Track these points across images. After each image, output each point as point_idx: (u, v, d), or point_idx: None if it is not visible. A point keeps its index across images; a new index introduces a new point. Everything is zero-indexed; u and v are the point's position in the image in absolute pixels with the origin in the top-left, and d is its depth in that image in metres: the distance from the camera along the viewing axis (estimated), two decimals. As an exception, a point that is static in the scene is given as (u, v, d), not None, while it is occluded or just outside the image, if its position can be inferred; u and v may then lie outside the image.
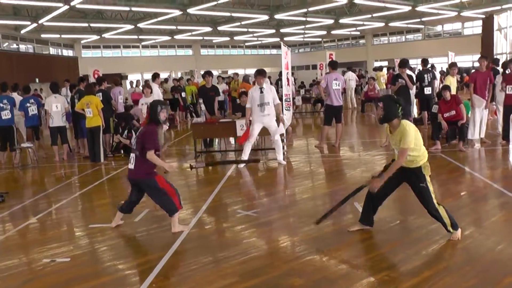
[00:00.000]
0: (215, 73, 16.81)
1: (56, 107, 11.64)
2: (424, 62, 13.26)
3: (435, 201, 5.19)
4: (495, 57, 27.27)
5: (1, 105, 11.26)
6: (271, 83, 15.80)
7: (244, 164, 9.94)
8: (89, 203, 7.91)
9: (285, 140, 10.79)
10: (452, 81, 11.65)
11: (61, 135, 11.84)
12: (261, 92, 9.68)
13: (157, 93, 12.58)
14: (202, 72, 13.56)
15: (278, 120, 9.93)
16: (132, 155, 5.87)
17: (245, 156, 9.91)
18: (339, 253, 5.04)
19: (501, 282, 4.20)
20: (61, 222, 6.83)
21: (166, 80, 23.24)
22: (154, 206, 6.47)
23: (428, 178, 5.18)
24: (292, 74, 28.92)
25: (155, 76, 13.44)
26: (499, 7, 30.31)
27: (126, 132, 11.98)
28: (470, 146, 10.79)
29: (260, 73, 9.80)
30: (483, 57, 11.31)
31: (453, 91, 11.19)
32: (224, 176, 9.10)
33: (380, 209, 5.84)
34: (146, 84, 13.50)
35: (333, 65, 11.86)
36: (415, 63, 27.74)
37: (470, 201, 6.91)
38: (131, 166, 5.87)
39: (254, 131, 9.86)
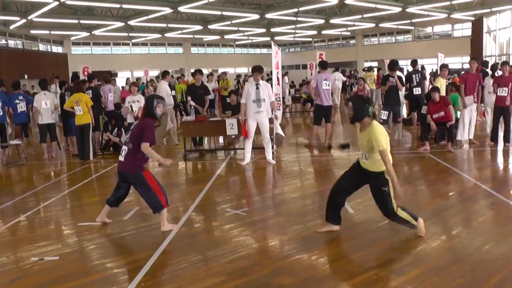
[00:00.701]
0: (205, 71, 16.76)
1: (45, 104, 11.56)
2: (413, 63, 13.36)
3: (394, 205, 5.20)
4: (484, 59, 27.50)
5: None
6: None
7: (247, 162, 10.06)
8: (78, 201, 7.87)
9: (274, 139, 10.81)
10: (442, 83, 11.73)
11: (50, 132, 11.75)
12: (257, 88, 9.74)
13: (166, 91, 12.52)
14: (192, 71, 13.56)
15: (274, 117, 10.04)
16: (124, 147, 5.88)
17: (247, 155, 10.07)
18: (327, 252, 5.07)
19: (488, 282, 4.25)
20: (50, 220, 6.80)
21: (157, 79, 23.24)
22: (140, 204, 6.45)
23: (390, 183, 5.14)
24: (287, 73, 29.05)
25: (165, 74, 13.36)
26: (488, 10, 30.53)
27: (115, 130, 11.96)
28: (459, 147, 10.87)
29: (257, 69, 9.89)
30: (474, 59, 11.41)
31: (443, 93, 11.26)
32: (213, 175, 9.10)
33: (369, 208, 5.89)
34: (133, 83, 13.48)
35: (323, 65, 11.92)
36: (405, 64, 27.86)
37: (458, 201, 6.97)
38: (121, 158, 5.87)
39: (251, 129, 9.91)
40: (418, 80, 12.54)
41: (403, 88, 11.98)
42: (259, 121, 9.88)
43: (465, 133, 10.88)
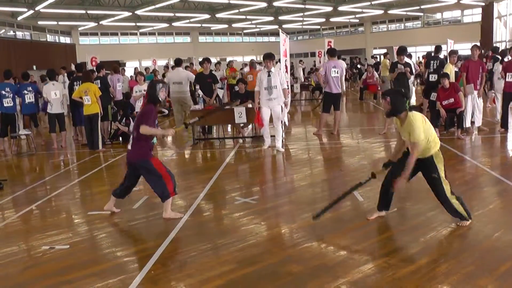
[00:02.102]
0: (213, 60, 16.73)
1: (55, 94, 11.60)
2: (437, 49, 13.06)
3: (447, 192, 5.18)
4: (494, 45, 27.22)
5: (4, 92, 11.23)
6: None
7: (268, 146, 10.23)
8: (88, 190, 7.92)
9: (283, 127, 10.81)
10: (452, 69, 11.62)
11: (59, 122, 11.80)
12: (269, 75, 9.82)
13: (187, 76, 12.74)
14: (200, 59, 13.54)
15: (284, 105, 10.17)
16: (132, 136, 5.90)
17: (267, 140, 10.25)
18: (337, 240, 5.06)
19: (498, 269, 4.22)
20: (60, 209, 6.84)
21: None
22: (149, 193, 6.46)
23: (440, 167, 5.17)
24: (301, 61, 28.90)
25: (179, 62, 13.40)
26: (498, -5, 30.21)
27: (124, 119, 11.98)
28: (468, 133, 10.80)
29: (268, 57, 9.97)
30: (476, 46, 11.28)
31: (452, 79, 11.16)
32: (222, 163, 9.11)
33: (378, 196, 5.87)
34: (139, 72, 13.47)
35: (331, 52, 11.83)
36: (414, 50, 27.67)
37: (467, 188, 6.92)
38: (129, 146, 5.90)
39: (265, 116, 9.99)
40: (436, 66, 12.39)
41: (412, 76, 11.88)
42: (271, 108, 9.96)
43: (468, 120, 10.82)
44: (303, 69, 28.81)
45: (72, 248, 5.14)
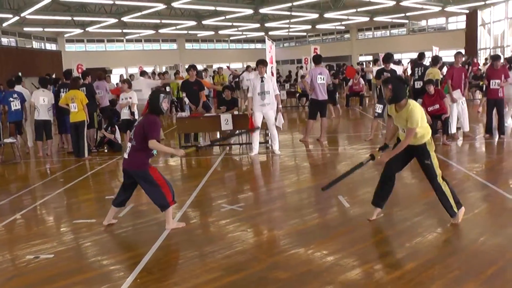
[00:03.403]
0: (200, 67, 16.73)
1: (43, 100, 11.50)
2: (420, 56, 13.18)
3: (438, 176, 5.39)
4: (478, 51, 27.55)
5: None
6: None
7: (256, 153, 10.26)
8: (74, 198, 7.84)
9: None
10: (436, 74, 11.72)
11: (46, 130, 11.71)
12: (262, 81, 9.98)
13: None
14: (186, 66, 13.55)
15: (277, 110, 10.30)
16: (129, 144, 5.70)
17: (255, 146, 10.29)
18: (324, 246, 5.06)
19: (484, 273, 4.25)
20: (45, 218, 6.79)
21: (165, 72, 23.33)
22: (135, 200, 6.43)
23: (432, 154, 5.38)
24: (301, 67, 28.88)
25: (142, 74, 13.71)
26: (482, 3, 30.54)
27: (109, 127, 11.93)
28: (454, 139, 10.89)
29: (261, 63, 10.17)
30: (460, 53, 11.44)
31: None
32: (209, 170, 9.09)
33: (365, 202, 5.92)
34: (124, 80, 13.43)
35: (317, 59, 11.87)
36: (399, 57, 27.90)
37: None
38: (125, 155, 5.70)
39: (257, 121, 10.10)
40: (420, 73, 12.49)
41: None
42: (264, 113, 10.11)
43: (453, 126, 10.92)
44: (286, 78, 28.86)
45: (57, 257, 5.09)
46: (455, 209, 5.42)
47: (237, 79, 26.15)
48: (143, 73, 14.02)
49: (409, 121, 5.17)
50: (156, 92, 5.75)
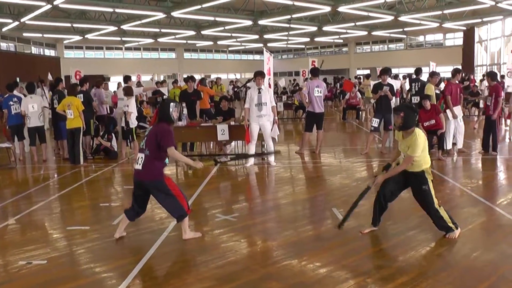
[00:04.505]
0: (197, 77, 16.74)
1: (32, 107, 11.50)
2: (417, 71, 13.23)
3: (436, 203, 5.53)
4: (475, 68, 27.64)
5: None
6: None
7: (252, 163, 10.40)
8: (68, 205, 7.82)
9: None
10: (433, 89, 11.78)
11: (39, 135, 11.71)
12: (259, 92, 10.05)
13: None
14: (184, 76, 13.61)
15: (273, 122, 10.39)
16: (141, 155, 5.51)
17: (251, 159, 10.41)
18: (316, 258, 5.07)
19: (476, 289, 4.27)
20: (39, 224, 6.75)
21: (164, 81, 23.33)
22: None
23: (430, 182, 5.55)
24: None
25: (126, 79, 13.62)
26: (479, 20, 30.82)
27: (106, 135, 11.94)
28: (449, 155, 10.93)
29: (259, 74, 10.21)
30: (459, 70, 11.49)
31: (433, 100, 11.32)
32: (204, 180, 9.09)
33: (359, 215, 5.93)
34: (124, 87, 13.43)
35: (314, 72, 11.92)
36: (397, 72, 28.05)
37: (447, 208, 6.96)
38: (138, 166, 5.50)
39: (253, 133, 10.17)
40: (417, 89, 12.55)
41: (393, 97, 12.00)
42: (261, 125, 10.16)
43: (448, 142, 10.96)
44: (283, 89, 28.91)
45: (50, 264, 5.08)
46: (454, 229, 5.56)
47: (236, 90, 26.21)
48: (126, 80, 13.64)
49: (410, 148, 5.42)
50: (167, 101, 5.70)
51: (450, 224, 5.54)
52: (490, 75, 11.58)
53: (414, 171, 5.57)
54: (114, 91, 15.98)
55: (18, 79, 28.32)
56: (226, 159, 9.52)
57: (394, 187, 5.72)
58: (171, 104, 5.56)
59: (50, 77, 18.87)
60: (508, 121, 12.94)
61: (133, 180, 5.67)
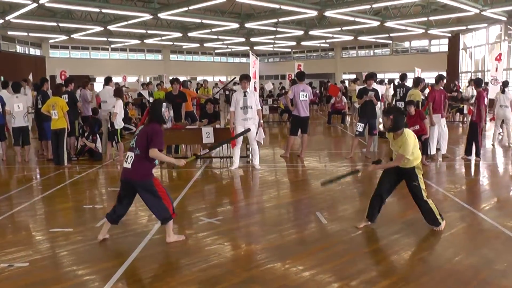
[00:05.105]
0: (183, 78, 16.69)
1: (18, 107, 11.40)
2: (402, 76, 13.32)
3: (425, 196, 6.01)
4: (460, 75, 27.91)
5: None
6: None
7: (236, 166, 10.38)
8: (51, 207, 7.75)
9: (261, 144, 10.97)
10: (417, 95, 11.89)
11: (23, 136, 11.60)
12: (245, 95, 10.10)
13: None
14: (170, 78, 13.56)
15: (258, 125, 10.39)
16: (130, 153, 5.48)
17: (236, 160, 10.38)
18: (300, 261, 5.09)
19: (456, 294, 4.31)
20: (21, 226, 6.69)
21: (149, 83, 23.18)
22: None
23: (420, 177, 6.02)
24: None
25: (108, 80, 13.49)
26: (464, 27, 31.12)
27: (91, 136, 11.86)
28: (433, 160, 11.03)
29: (245, 77, 10.25)
30: (443, 77, 11.58)
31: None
32: (188, 183, 9.07)
33: (342, 219, 5.98)
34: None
35: (300, 76, 11.92)
36: (382, 77, 28.25)
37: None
38: (127, 165, 5.46)
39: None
40: (402, 94, 12.65)
41: (378, 102, 12.07)
42: (246, 128, 10.03)
43: (432, 147, 11.07)
44: (269, 92, 28.94)
45: (32, 266, 5.04)
46: (440, 221, 6.03)
47: (227, 92, 26.16)
48: (107, 81, 13.47)
49: (402, 148, 5.82)
50: (158, 101, 5.69)
51: (438, 216, 5.98)
52: (475, 82, 11.76)
53: (406, 167, 5.99)
54: (97, 94, 15.81)
55: (1, 78, 28.18)
56: (204, 151, 9.48)
57: (389, 183, 6.13)
58: (163, 104, 5.56)
59: (31, 77, 18.65)
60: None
61: (120, 178, 5.64)
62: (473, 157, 11.14)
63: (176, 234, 5.84)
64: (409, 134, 5.88)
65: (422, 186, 6.01)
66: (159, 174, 10.19)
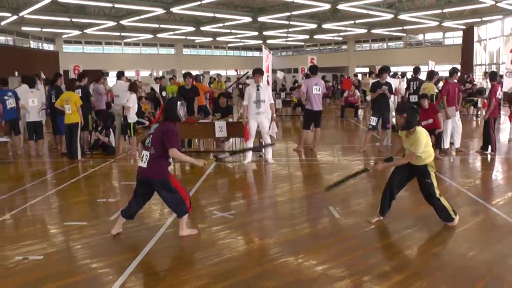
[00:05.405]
0: (196, 73, 16.70)
1: (32, 102, 11.50)
2: (415, 70, 13.25)
3: (437, 193, 5.95)
4: (474, 67, 27.64)
5: None
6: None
7: (249, 160, 10.45)
8: (65, 200, 7.82)
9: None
10: (433, 88, 11.80)
11: (37, 130, 11.71)
12: (258, 89, 10.10)
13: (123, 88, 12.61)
14: (183, 72, 13.57)
15: (271, 119, 10.39)
16: (146, 152, 5.50)
17: (249, 154, 10.47)
18: (313, 256, 5.08)
19: (470, 289, 4.29)
20: (36, 219, 6.76)
21: (162, 77, 23.23)
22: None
23: (433, 174, 5.96)
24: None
25: (120, 74, 13.47)
26: (479, 19, 30.77)
27: (104, 130, 11.94)
28: (447, 154, 10.95)
29: (258, 72, 10.25)
30: (457, 70, 11.47)
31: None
32: (201, 177, 9.10)
33: (355, 213, 5.96)
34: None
35: (313, 70, 11.88)
36: (396, 70, 28.05)
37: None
38: (143, 164, 5.50)
39: (251, 130, 10.24)
40: (415, 88, 12.57)
41: (392, 96, 12.00)
42: (259, 122, 10.22)
43: (446, 141, 10.99)
44: (281, 86, 28.87)
45: (46, 259, 5.09)
46: (453, 216, 5.98)
47: (240, 86, 26.16)
48: (119, 75, 13.45)
49: (413, 146, 5.79)
50: (173, 99, 5.69)
51: (451, 212, 5.94)
52: (490, 75, 11.64)
53: (418, 165, 5.94)
54: (110, 89, 15.84)
55: (16, 73, 28.43)
56: (225, 155, 9.52)
57: (401, 178, 6.12)
58: (178, 102, 5.56)
59: (43, 75, 18.77)
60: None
61: (136, 177, 5.66)
62: (489, 151, 11.04)
63: (189, 228, 5.86)
64: (421, 132, 5.85)
65: (435, 183, 5.97)
66: (172, 168, 10.22)
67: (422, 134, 5.82)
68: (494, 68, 30.56)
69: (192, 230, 5.87)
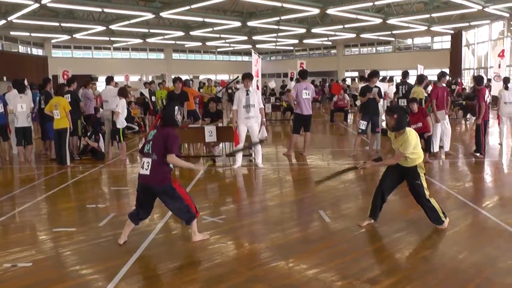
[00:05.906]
0: (186, 77, 16.71)
1: (21, 107, 11.42)
2: (404, 74, 13.32)
3: (427, 195, 5.97)
4: (462, 71, 27.84)
5: None
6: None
7: (239, 165, 10.41)
8: (54, 206, 7.76)
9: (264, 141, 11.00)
10: (422, 92, 11.86)
11: (25, 136, 11.62)
12: (247, 94, 10.08)
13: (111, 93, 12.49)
14: (173, 77, 13.56)
15: (261, 124, 10.40)
16: (147, 159, 5.39)
17: (239, 159, 10.43)
18: (303, 260, 5.08)
19: (460, 292, 4.30)
20: (24, 226, 6.70)
21: (152, 82, 23.15)
22: (117, 210, 6.40)
23: (422, 176, 6.00)
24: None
25: (110, 80, 13.36)
26: (467, 24, 31.06)
27: (93, 135, 11.88)
28: (436, 158, 11.00)
29: (247, 76, 10.23)
30: (445, 74, 11.56)
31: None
32: (191, 182, 9.07)
33: (345, 218, 5.97)
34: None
35: (302, 74, 11.92)
36: (385, 74, 28.20)
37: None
38: (145, 171, 5.38)
39: (241, 134, 10.20)
40: (404, 92, 12.63)
41: (381, 100, 12.05)
42: (248, 126, 10.20)
43: (435, 145, 11.04)
44: (271, 90, 28.89)
45: (35, 266, 5.04)
46: (443, 219, 5.98)
47: (230, 91, 26.20)
48: (108, 80, 13.27)
49: (402, 146, 5.79)
50: (171, 105, 5.65)
51: (441, 215, 5.95)
52: (476, 80, 11.73)
53: (408, 166, 5.96)
54: (99, 93, 15.71)
55: (5, 78, 28.22)
56: (222, 156, 9.54)
57: (392, 181, 6.12)
58: (176, 107, 5.53)
59: (26, 82, 18.62)
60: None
61: (138, 185, 5.56)
62: (478, 154, 11.11)
63: (201, 233, 5.81)
64: (411, 133, 5.86)
65: (425, 185, 5.99)
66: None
67: (412, 135, 5.84)
68: (482, 72, 30.81)
69: (204, 234, 5.83)
